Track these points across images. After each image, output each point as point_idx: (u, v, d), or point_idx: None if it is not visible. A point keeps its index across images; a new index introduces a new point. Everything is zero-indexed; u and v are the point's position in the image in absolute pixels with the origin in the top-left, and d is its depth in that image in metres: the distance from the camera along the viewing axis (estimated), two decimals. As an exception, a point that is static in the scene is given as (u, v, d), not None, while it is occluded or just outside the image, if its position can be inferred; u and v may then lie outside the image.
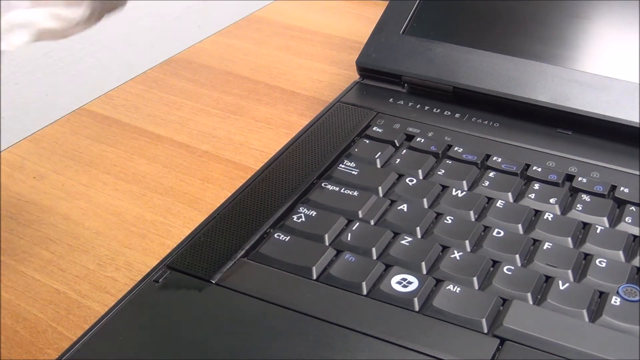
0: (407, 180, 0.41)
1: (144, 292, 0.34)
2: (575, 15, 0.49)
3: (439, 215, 0.39)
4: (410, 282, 0.34)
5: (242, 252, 0.36)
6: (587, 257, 0.36)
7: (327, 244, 0.37)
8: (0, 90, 0.54)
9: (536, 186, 0.40)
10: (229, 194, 0.41)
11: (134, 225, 0.42)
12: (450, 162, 0.42)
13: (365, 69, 0.51)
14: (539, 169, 0.42)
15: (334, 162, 0.42)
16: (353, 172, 0.41)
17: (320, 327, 0.32)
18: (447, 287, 0.34)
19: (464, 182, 0.41)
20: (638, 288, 0.34)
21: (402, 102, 0.48)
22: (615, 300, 0.33)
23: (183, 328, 0.32)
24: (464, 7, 0.52)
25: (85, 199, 0.44)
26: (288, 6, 0.69)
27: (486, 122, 0.46)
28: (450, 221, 0.38)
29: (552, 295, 0.33)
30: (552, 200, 0.39)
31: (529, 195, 0.40)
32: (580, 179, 0.41)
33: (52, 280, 0.38)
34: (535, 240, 0.37)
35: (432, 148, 0.43)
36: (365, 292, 0.34)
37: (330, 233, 0.37)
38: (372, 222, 0.38)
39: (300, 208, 0.39)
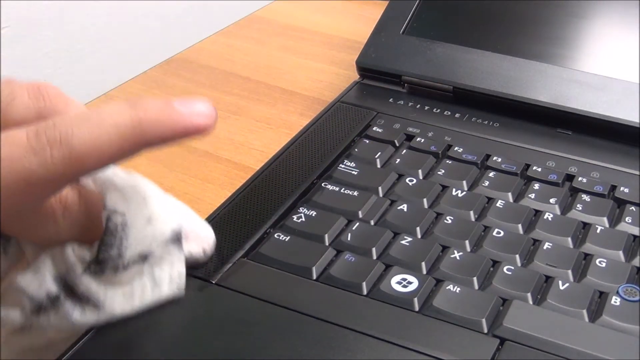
0: (407, 180, 0.41)
1: (144, 292, 0.34)
2: (575, 15, 0.49)
3: (439, 215, 0.39)
4: (410, 282, 0.34)
5: (242, 252, 0.36)
6: (587, 257, 0.36)
7: (327, 244, 0.37)
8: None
9: (536, 186, 0.40)
10: (229, 194, 0.41)
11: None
12: (450, 162, 0.42)
13: (365, 69, 0.51)
14: (539, 169, 0.42)
15: (334, 162, 0.42)
16: (353, 172, 0.41)
17: (320, 327, 0.32)
18: (447, 287, 0.34)
19: (464, 182, 0.41)
20: (638, 288, 0.34)
21: (402, 102, 0.48)
22: (615, 300, 0.33)
23: (183, 328, 0.32)
24: (464, 7, 0.52)
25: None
26: (288, 6, 0.69)
27: (486, 122, 0.46)
28: (450, 221, 0.38)
29: (552, 295, 0.33)
30: (552, 200, 0.39)
31: (529, 195, 0.40)
32: (580, 179, 0.41)
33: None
34: (535, 240, 0.37)
35: (432, 148, 0.43)
36: (365, 292, 0.34)
37: (330, 233, 0.37)
38: (372, 222, 0.38)
39: (300, 208, 0.39)
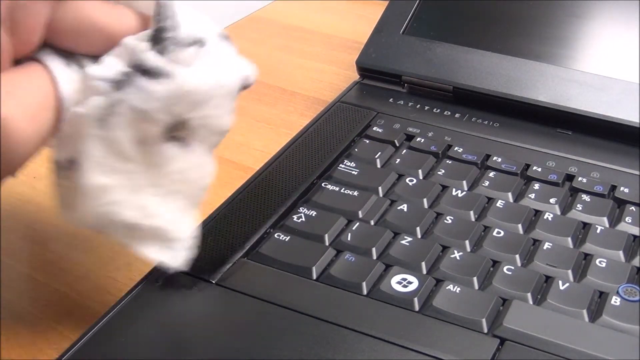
0: (407, 180, 0.41)
1: (144, 292, 0.34)
2: (575, 15, 0.49)
3: (439, 215, 0.39)
4: (410, 282, 0.34)
5: (242, 252, 0.36)
6: (587, 257, 0.36)
7: (327, 244, 0.37)
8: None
9: (536, 186, 0.40)
10: (229, 194, 0.41)
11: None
12: (450, 162, 0.42)
13: (366, 69, 0.51)
14: (539, 169, 0.42)
15: (334, 162, 0.42)
16: (353, 172, 0.41)
17: (320, 327, 0.32)
18: (447, 287, 0.34)
19: (464, 182, 0.41)
20: (638, 288, 0.34)
21: (402, 102, 0.48)
22: (615, 300, 0.33)
23: (183, 328, 0.32)
24: (464, 7, 0.52)
25: (85, 199, 0.44)
26: (288, 6, 0.69)
27: (486, 122, 0.46)
28: (450, 221, 0.38)
29: (552, 295, 0.33)
30: (552, 200, 0.39)
31: (529, 195, 0.40)
32: (580, 179, 0.41)
33: (52, 280, 0.38)
34: (535, 240, 0.37)
35: (432, 148, 0.43)
36: (365, 292, 0.34)
37: (330, 233, 0.37)
38: (372, 222, 0.38)
39: (300, 208, 0.39)
